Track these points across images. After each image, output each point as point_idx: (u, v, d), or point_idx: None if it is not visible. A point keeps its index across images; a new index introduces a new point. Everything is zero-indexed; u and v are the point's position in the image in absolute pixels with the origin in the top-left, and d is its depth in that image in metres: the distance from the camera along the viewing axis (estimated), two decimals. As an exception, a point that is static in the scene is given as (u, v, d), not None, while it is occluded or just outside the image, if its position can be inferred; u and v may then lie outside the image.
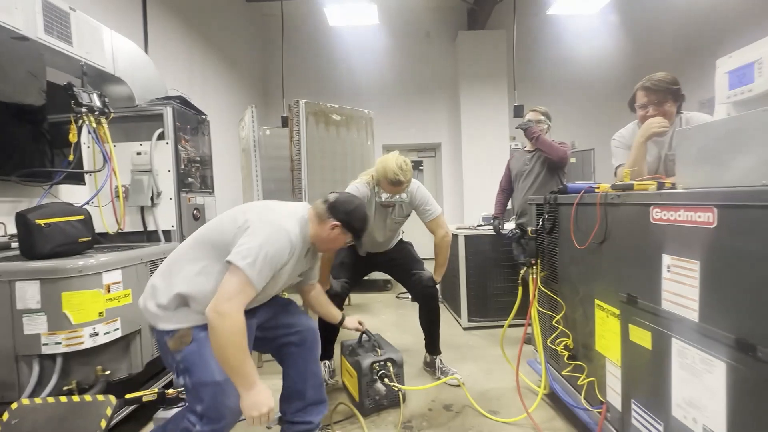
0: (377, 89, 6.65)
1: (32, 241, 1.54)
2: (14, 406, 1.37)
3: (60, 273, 1.47)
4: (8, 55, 1.60)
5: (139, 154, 2.23)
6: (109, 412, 1.38)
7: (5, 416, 1.35)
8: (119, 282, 1.64)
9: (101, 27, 2.14)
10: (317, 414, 1.64)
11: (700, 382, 1.00)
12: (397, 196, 2.06)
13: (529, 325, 1.88)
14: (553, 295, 1.80)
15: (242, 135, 3.64)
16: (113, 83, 2.31)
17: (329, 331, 2.14)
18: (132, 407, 1.72)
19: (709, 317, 0.97)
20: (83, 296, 1.50)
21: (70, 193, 2.23)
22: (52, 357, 1.50)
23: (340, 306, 2.11)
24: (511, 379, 2.14)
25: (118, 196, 2.14)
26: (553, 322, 1.77)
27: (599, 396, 1.49)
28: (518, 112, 4.66)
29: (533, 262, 1.89)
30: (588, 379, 1.56)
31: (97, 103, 1.99)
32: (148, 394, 1.59)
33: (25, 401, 1.39)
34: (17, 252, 1.64)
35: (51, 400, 1.40)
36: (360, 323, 1.97)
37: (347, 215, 1.45)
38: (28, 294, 1.46)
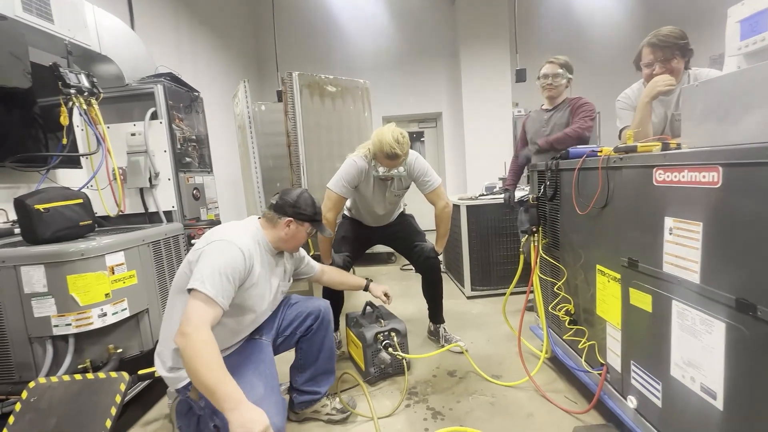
0: (373, 59, 6.43)
1: (33, 226, 1.55)
2: (32, 384, 1.43)
3: (63, 257, 1.49)
4: (-13, 36, 1.55)
5: (133, 135, 2.20)
6: (123, 387, 1.43)
7: (24, 394, 1.40)
8: (123, 264, 1.66)
9: (83, 2, 2.05)
10: (325, 384, 1.69)
11: (699, 343, 1.00)
12: (395, 170, 2.00)
13: (531, 292, 1.89)
14: (555, 262, 1.80)
15: (237, 111, 3.57)
16: (100, 62, 2.24)
17: (333, 304, 2.17)
18: (145, 382, 1.78)
19: (710, 278, 0.96)
20: (88, 279, 1.52)
21: (67, 178, 2.22)
22: (64, 338, 1.54)
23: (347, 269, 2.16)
24: (513, 345, 2.18)
25: (115, 179, 2.13)
26: (555, 289, 1.78)
27: (599, 358, 1.51)
28: (520, 76, 4.51)
29: (534, 229, 1.87)
30: (588, 343, 1.58)
31: (86, 83, 1.94)
32: (159, 370, 1.65)
33: (42, 380, 1.45)
34: (20, 238, 1.66)
35: (66, 378, 1.46)
36: (386, 294, 1.98)
37: (294, 207, 1.47)
38: (34, 278, 1.48)
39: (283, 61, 5.32)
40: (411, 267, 3.50)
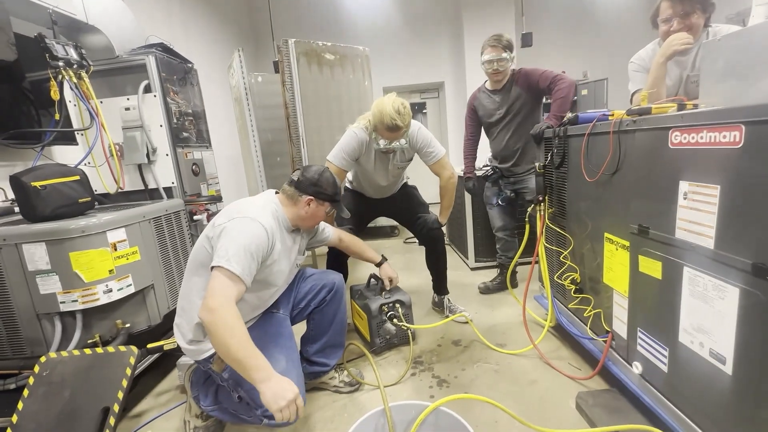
0: (373, 27, 6.19)
1: (31, 204, 1.53)
2: (43, 359, 1.45)
3: (63, 234, 1.48)
4: (-35, 4, 1.47)
5: (127, 109, 2.14)
6: (132, 361, 1.46)
7: (36, 368, 1.43)
8: (125, 240, 1.65)
9: (63, -33, 1.94)
10: (334, 357, 1.72)
11: (710, 309, 0.99)
12: (396, 143, 1.93)
13: (537, 262, 1.87)
14: (561, 231, 1.77)
15: (233, 83, 3.46)
16: (88, 33, 2.15)
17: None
18: (155, 356, 1.82)
19: (725, 244, 0.93)
20: (90, 255, 1.52)
21: (64, 155, 2.18)
22: (72, 314, 1.55)
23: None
24: (517, 315, 2.19)
25: (112, 155, 2.08)
26: (561, 258, 1.76)
27: (605, 326, 1.51)
28: (527, 40, 4.33)
29: (540, 199, 1.83)
30: (594, 311, 1.57)
31: (74, 55, 1.86)
32: (168, 344, 1.67)
33: (53, 355, 1.47)
34: (20, 216, 1.64)
35: (76, 352, 1.48)
36: (391, 280, 1.97)
37: (316, 186, 1.46)
38: (37, 256, 1.47)
39: (278, 32, 5.12)
40: (414, 240, 3.50)
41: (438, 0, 6.09)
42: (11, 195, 1.82)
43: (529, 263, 1.92)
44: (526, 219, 2.00)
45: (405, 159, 2.14)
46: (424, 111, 6.91)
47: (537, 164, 1.83)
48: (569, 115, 1.64)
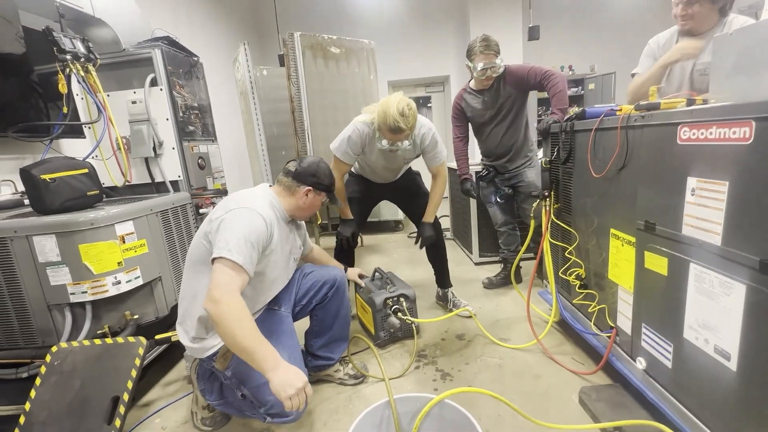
0: (378, 21, 6.14)
1: (41, 196, 1.55)
2: (54, 349, 1.48)
3: (73, 226, 1.50)
4: (-26, -2, 1.48)
5: (134, 102, 2.15)
6: (141, 351, 1.48)
7: (48, 358, 1.46)
8: (132, 233, 1.67)
9: (71, -40, 1.95)
10: (338, 351, 1.74)
11: (716, 305, 0.99)
12: (398, 143, 1.86)
13: (541, 257, 1.87)
14: (567, 227, 1.76)
15: (238, 77, 3.46)
16: (95, 26, 2.15)
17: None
18: (162, 347, 1.85)
19: (732, 240, 0.93)
20: (99, 247, 1.54)
21: (72, 148, 2.20)
22: (82, 305, 1.58)
23: (354, 244, 2.23)
24: (521, 310, 2.20)
25: (120, 149, 2.10)
26: (566, 253, 1.76)
27: (609, 322, 1.51)
28: (533, 33, 4.28)
29: (546, 194, 1.83)
30: (599, 307, 1.58)
31: (81, 48, 1.87)
32: (176, 335, 1.69)
33: (64, 345, 1.50)
34: (30, 209, 1.66)
35: (87, 342, 1.51)
36: (360, 275, 2.06)
37: (314, 176, 1.48)
38: (47, 248, 1.49)
39: (283, 25, 5.10)
40: (418, 234, 3.51)
41: (444, -8, 6.03)
42: (21, 187, 1.85)
43: (533, 259, 1.92)
44: (531, 215, 1.99)
45: (412, 155, 2.13)
46: (429, 105, 6.87)
47: (543, 159, 1.83)
48: (576, 109, 1.63)
